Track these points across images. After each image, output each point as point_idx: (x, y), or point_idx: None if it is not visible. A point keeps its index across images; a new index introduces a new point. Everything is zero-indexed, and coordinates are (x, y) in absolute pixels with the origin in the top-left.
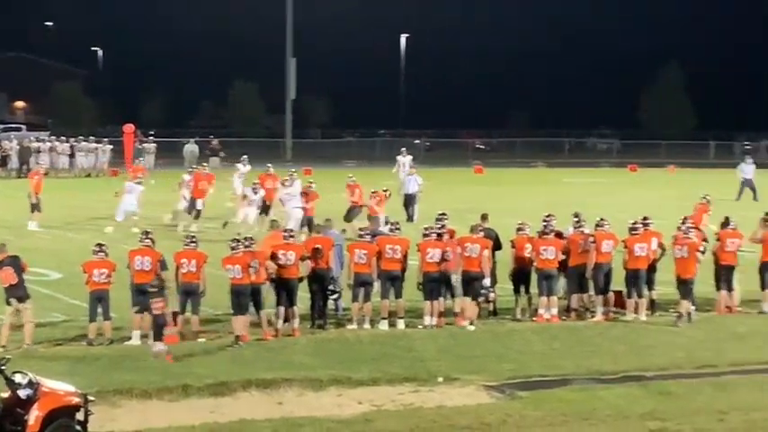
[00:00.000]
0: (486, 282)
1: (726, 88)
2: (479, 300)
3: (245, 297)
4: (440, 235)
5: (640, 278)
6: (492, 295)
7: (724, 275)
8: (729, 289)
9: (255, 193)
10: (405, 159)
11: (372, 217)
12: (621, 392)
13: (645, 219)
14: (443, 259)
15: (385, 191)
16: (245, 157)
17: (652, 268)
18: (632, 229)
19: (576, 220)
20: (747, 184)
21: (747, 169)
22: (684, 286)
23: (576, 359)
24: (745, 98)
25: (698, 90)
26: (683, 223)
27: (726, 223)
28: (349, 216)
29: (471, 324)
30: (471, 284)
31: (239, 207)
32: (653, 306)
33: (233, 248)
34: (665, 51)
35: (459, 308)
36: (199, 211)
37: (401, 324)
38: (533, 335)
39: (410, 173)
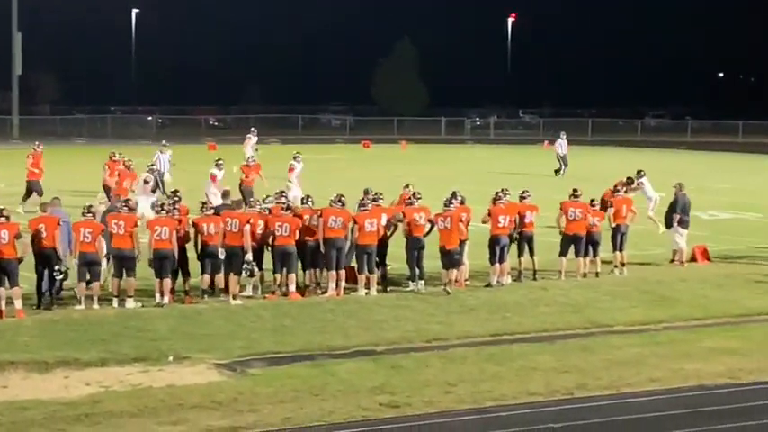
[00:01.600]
0: (249, 256)
1: (456, 66)
2: (244, 275)
3: None
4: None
5: (371, 254)
6: (257, 270)
7: None
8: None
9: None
10: (255, 140)
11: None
12: (352, 367)
13: (375, 195)
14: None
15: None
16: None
17: (383, 244)
18: (361, 206)
19: (306, 196)
20: (563, 159)
21: (564, 144)
22: (448, 257)
23: (307, 335)
24: (475, 76)
25: (430, 67)
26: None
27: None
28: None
29: (235, 298)
30: (236, 259)
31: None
32: (384, 281)
33: None
34: (397, 28)
35: (222, 283)
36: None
37: (131, 303)
38: (265, 311)
39: (163, 150)
